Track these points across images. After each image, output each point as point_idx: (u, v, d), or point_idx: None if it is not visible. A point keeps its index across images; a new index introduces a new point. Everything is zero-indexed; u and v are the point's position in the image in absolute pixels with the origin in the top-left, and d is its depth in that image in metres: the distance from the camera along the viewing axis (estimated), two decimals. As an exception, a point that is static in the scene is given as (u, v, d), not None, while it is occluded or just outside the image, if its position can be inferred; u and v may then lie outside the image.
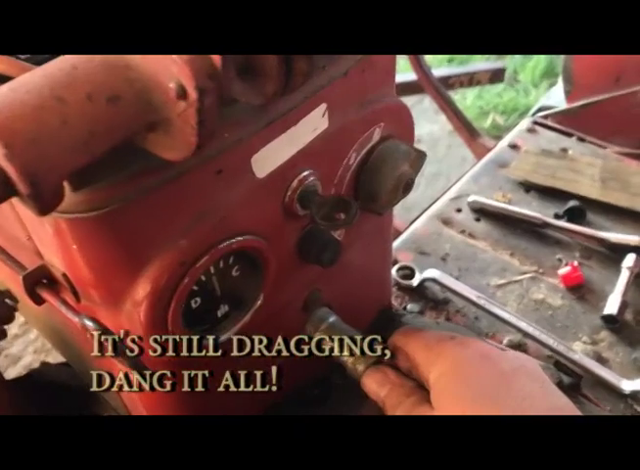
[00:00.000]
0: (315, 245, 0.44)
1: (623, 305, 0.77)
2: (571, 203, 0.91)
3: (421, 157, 0.47)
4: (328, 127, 0.43)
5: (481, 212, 0.93)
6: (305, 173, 0.42)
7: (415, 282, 0.82)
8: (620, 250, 0.84)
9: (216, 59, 0.28)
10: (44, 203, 0.28)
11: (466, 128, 1.28)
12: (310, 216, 0.42)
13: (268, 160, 0.40)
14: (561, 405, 0.40)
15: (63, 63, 0.28)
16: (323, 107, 0.42)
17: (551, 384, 0.41)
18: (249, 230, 0.40)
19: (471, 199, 0.94)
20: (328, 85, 0.41)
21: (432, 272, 0.82)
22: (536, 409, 0.38)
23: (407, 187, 0.46)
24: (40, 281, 0.40)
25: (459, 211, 0.95)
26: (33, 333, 1.53)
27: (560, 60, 1.15)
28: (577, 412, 0.39)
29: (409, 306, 0.80)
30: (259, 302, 0.44)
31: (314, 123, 0.42)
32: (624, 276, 0.80)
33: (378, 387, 0.46)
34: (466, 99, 2.38)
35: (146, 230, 0.36)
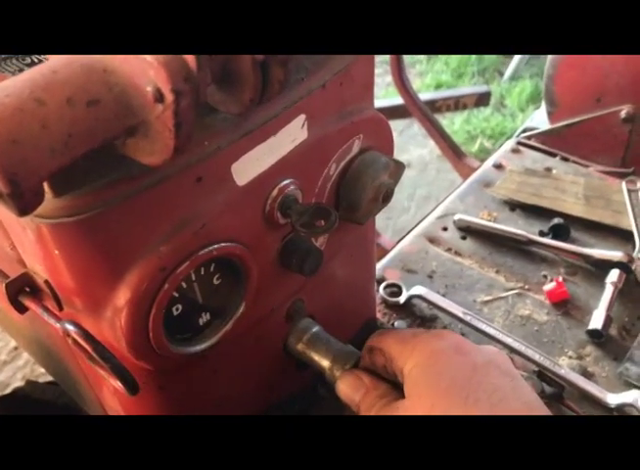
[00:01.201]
0: (297, 253, 0.45)
1: (608, 320, 0.77)
2: (556, 220, 0.93)
3: (400, 167, 0.48)
4: (307, 138, 0.44)
5: (467, 231, 0.94)
6: (286, 182, 0.43)
7: (402, 299, 0.82)
8: (604, 266, 0.85)
9: (192, 61, 0.29)
10: (24, 203, 0.28)
11: (451, 149, 1.30)
12: (291, 224, 0.43)
13: (248, 168, 0.41)
14: (530, 400, 0.40)
15: (42, 67, 0.29)
16: (302, 117, 0.43)
17: (521, 379, 0.42)
18: (229, 238, 0.41)
19: (457, 217, 0.95)
20: (306, 96, 0.42)
21: (418, 289, 0.83)
22: (506, 403, 0.39)
23: (386, 197, 0.47)
24: (23, 289, 0.40)
25: (445, 229, 0.96)
26: (22, 359, 1.52)
27: (543, 83, 1.17)
28: (545, 408, 0.40)
29: (396, 323, 0.80)
30: (241, 310, 0.45)
31: (293, 134, 0.43)
32: (608, 292, 0.81)
33: (352, 391, 0.46)
34: (454, 124, 2.41)
35: (126, 236, 0.37)
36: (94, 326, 0.39)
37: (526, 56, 2.68)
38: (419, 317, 0.82)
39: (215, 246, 0.40)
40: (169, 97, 0.29)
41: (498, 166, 1.07)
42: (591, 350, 0.77)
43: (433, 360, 0.42)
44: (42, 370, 0.86)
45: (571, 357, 0.76)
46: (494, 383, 0.40)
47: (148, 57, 0.29)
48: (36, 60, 0.48)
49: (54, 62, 0.30)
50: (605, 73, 1.01)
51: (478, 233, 0.94)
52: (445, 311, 0.81)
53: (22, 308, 0.41)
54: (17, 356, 1.60)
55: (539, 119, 1.20)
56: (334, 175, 0.47)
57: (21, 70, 0.47)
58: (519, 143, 1.12)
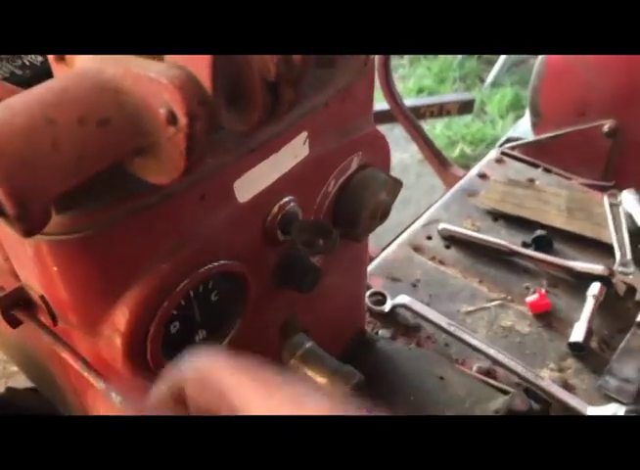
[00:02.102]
0: (295, 270, 0.45)
1: (589, 333, 0.78)
2: (539, 232, 0.94)
3: (397, 185, 0.48)
4: (308, 155, 0.44)
5: (451, 240, 0.95)
6: (286, 199, 0.43)
7: (387, 308, 0.83)
8: (586, 278, 0.86)
9: (207, 85, 0.28)
10: (31, 224, 0.27)
11: (436, 157, 1.31)
12: (291, 242, 0.43)
13: (250, 185, 0.40)
14: None
15: (53, 85, 0.29)
16: (304, 135, 0.43)
17: None
18: (229, 254, 0.41)
19: (441, 227, 0.96)
20: (309, 114, 0.42)
21: (403, 298, 0.83)
22: None
23: (384, 214, 0.47)
24: (17, 303, 0.39)
25: (429, 238, 0.96)
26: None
27: (526, 92, 1.18)
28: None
29: (381, 332, 0.81)
30: (237, 326, 0.44)
31: (295, 151, 0.43)
32: (590, 304, 0.82)
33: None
34: (435, 129, 2.43)
35: (127, 254, 0.36)
36: (89, 343, 0.39)
37: (508, 63, 2.71)
38: (403, 326, 0.82)
39: (215, 263, 0.40)
40: (183, 120, 0.28)
41: (482, 176, 1.08)
42: (572, 362, 0.78)
43: None
44: (15, 369, 0.84)
45: (552, 370, 0.77)
46: None
47: (162, 78, 0.28)
48: (27, 62, 0.47)
49: (64, 79, 0.29)
50: (589, 87, 1.03)
51: (461, 243, 0.94)
52: (429, 321, 0.81)
53: (14, 322, 0.40)
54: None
55: (523, 129, 1.22)
56: (332, 192, 0.47)
57: (12, 73, 0.46)
58: (502, 153, 1.13)
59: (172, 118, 0.28)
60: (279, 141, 0.41)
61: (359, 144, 0.47)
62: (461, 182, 1.07)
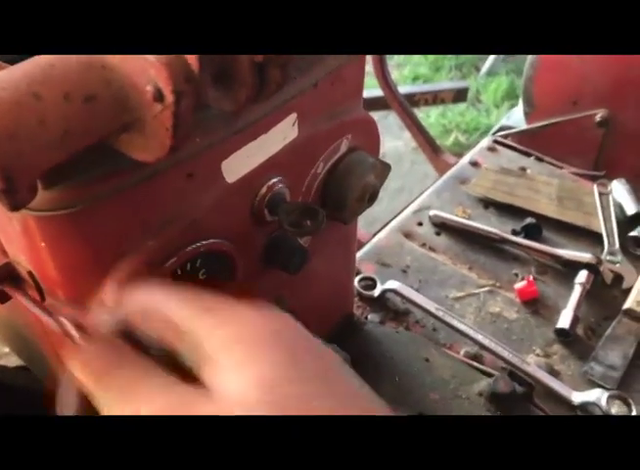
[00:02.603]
0: (283, 251, 0.45)
1: (575, 320, 0.79)
2: (528, 220, 0.94)
3: (386, 168, 0.48)
4: (297, 137, 0.44)
5: (442, 227, 0.96)
6: (274, 180, 0.43)
7: (376, 293, 0.83)
8: (574, 266, 0.87)
9: (194, 62, 0.29)
10: (17, 199, 0.28)
11: (429, 145, 1.31)
12: (278, 222, 0.43)
13: (238, 165, 0.41)
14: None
15: (40, 60, 0.29)
16: (293, 116, 0.43)
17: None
18: (217, 234, 0.41)
19: (432, 213, 0.96)
20: (298, 95, 0.42)
21: (392, 283, 0.84)
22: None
23: (372, 197, 0.48)
24: (5, 279, 0.39)
25: (420, 224, 0.97)
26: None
27: (520, 82, 1.18)
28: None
29: (370, 316, 0.81)
30: (224, 305, 0.45)
31: (284, 132, 0.43)
32: (577, 292, 0.83)
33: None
34: (430, 117, 2.43)
35: (115, 230, 0.36)
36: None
37: (503, 52, 2.71)
38: (392, 311, 0.83)
39: (203, 242, 0.40)
40: (170, 97, 0.28)
41: (474, 164, 1.08)
42: (558, 348, 0.79)
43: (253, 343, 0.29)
44: (5, 350, 0.84)
45: (538, 355, 0.78)
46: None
47: (149, 56, 0.28)
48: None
49: (51, 55, 0.29)
50: (583, 77, 1.03)
51: (452, 229, 0.95)
52: (418, 306, 0.82)
53: (2, 298, 0.40)
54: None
55: (516, 118, 1.22)
56: (321, 174, 0.48)
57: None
58: (495, 141, 1.13)
59: (159, 95, 0.29)
60: (268, 122, 0.41)
61: (349, 127, 0.48)
62: (453, 169, 1.08)
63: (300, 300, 0.55)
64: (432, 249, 0.93)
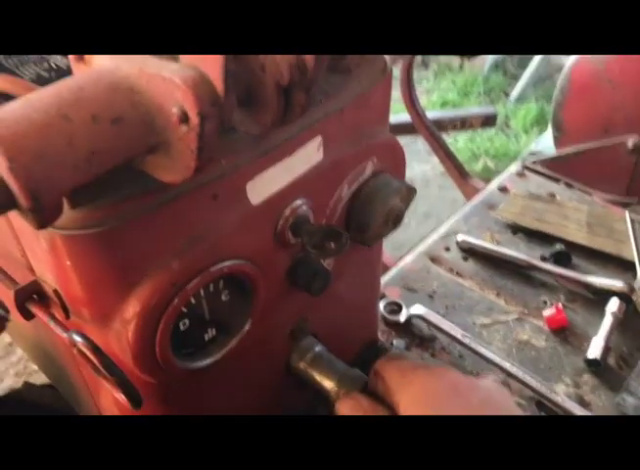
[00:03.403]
0: (305, 273, 0.45)
1: (606, 350, 0.77)
2: (557, 246, 0.93)
3: (411, 192, 0.48)
4: (322, 159, 0.44)
5: (470, 252, 0.95)
6: (298, 202, 0.43)
7: (402, 318, 0.83)
8: (604, 294, 0.85)
9: (219, 85, 0.29)
10: (43, 217, 0.28)
11: (457, 169, 1.30)
12: (301, 244, 0.43)
13: (263, 187, 0.41)
14: None
15: (70, 83, 0.29)
16: (318, 139, 0.43)
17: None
18: (240, 255, 0.41)
19: (460, 238, 0.95)
20: (324, 119, 0.43)
21: (418, 309, 0.83)
22: None
23: (397, 220, 0.48)
24: (31, 296, 0.40)
25: (448, 249, 0.96)
26: (16, 355, 1.51)
27: (550, 108, 1.18)
28: None
29: (395, 342, 0.80)
30: (247, 327, 0.45)
31: (309, 155, 0.43)
32: (608, 321, 0.81)
33: (350, 414, 0.46)
34: (458, 142, 2.43)
35: (140, 250, 0.37)
36: (100, 337, 0.39)
37: (534, 78, 2.70)
38: (418, 337, 0.82)
39: (226, 263, 0.40)
40: (195, 120, 0.29)
41: (503, 189, 1.07)
42: (588, 378, 0.77)
43: (428, 401, 0.42)
44: (35, 367, 0.85)
45: (567, 385, 0.76)
46: None
47: (176, 78, 0.29)
48: (54, 65, 0.49)
49: (80, 78, 0.30)
50: (614, 103, 1.02)
51: (480, 255, 0.94)
52: (444, 332, 0.81)
53: (28, 315, 0.41)
54: (11, 352, 1.59)
55: (545, 144, 1.21)
56: (345, 197, 0.48)
57: (38, 75, 0.48)
58: (524, 167, 1.12)
59: (184, 118, 0.29)
60: (293, 145, 0.42)
61: (374, 150, 0.48)
62: (481, 195, 1.07)
63: (324, 323, 0.55)
64: (459, 274, 0.92)
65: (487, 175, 2.19)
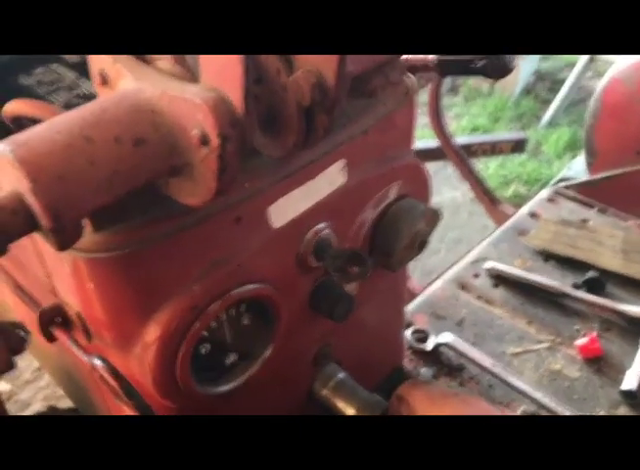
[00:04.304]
0: (328, 298, 0.45)
1: (643, 381, 0.74)
2: (591, 273, 0.90)
3: (436, 215, 0.47)
4: (346, 182, 0.44)
5: (499, 279, 0.93)
6: (321, 226, 0.43)
7: (429, 346, 0.81)
8: (640, 323, 0.82)
9: (239, 106, 0.29)
10: (64, 238, 0.28)
11: (486, 195, 1.29)
12: (324, 268, 0.43)
13: (285, 211, 0.41)
14: None
15: (94, 105, 0.30)
16: (342, 162, 0.43)
17: None
18: (262, 279, 0.41)
19: (489, 265, 0.94)
20: (348, 142, 0.42)
21: (447, 337, 0.81)
22: None
23: (421, 245, 0.47)
24: (54, 319, 0.40)
25: (477, 276, 0.94)
26: (44, 380, 1.53)
27: (583, 132, 1.16)
28: None
29: (422, 371, 0.79)
30: (269, 352, 0.44)
31: (332, 178, 0.43)
32: (644, 351, 0.78)
33: None
34: (489, 168, 2.40)
35: (161, 274, 0.37)
36: (121, 361, 0.39)
37: (565, 102, 2.67)
38: (446, 366, 0.80)
39: (248, 287, 0.40)
40: (215, 141, 0.29)
41: (533, 215, 1.05)
42: (624, 411, 0.74)
43: None
44: (62, 392, 0.86)
45: (603, 418, 0.73)
46: None
47: (196, 99, 0.29)
48: (86, 91, 0.49)
49: (103, 100, 0.30)
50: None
51: (510, 282, 0.92)
52: (473, 362, 0.79)
53: (51, 338, 0.41)
54: (39, 377, 1.61)
55: (577, 169, 1.19)
56: (369, 220, 0.47)
57: (68, 102, 0.48)
58: (555, 192, 1.10)
59: (204, 139, 0.29)
60: (315, 168, 0.41)
61: (398, 173, 0.47)
62: (511, 220, 1.05)
63: (348, 349, 0.54)
64: (488, 301, 0.90)
65: (519, 201, 2.16)
